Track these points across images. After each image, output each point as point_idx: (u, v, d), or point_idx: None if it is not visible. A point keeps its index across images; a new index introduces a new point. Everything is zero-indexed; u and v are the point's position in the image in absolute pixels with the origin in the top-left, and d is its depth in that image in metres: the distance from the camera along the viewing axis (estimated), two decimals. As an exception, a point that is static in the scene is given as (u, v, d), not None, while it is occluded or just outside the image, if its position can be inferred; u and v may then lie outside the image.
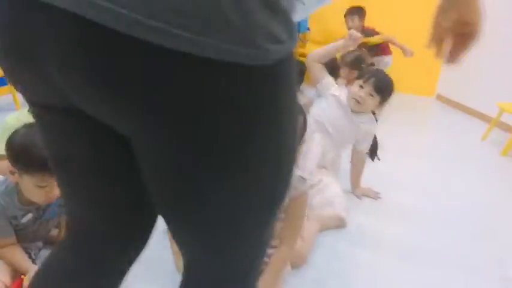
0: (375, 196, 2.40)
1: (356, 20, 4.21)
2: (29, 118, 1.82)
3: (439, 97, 5.03)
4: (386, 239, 2.02)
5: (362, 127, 2.24)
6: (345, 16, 4.31)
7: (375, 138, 2.37)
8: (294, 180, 1.48)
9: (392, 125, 3.66)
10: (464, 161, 3.15)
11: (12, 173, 1.39)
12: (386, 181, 2.55)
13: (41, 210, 1.53)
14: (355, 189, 2.39)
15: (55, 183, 1.33)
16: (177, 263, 1.63)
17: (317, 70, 2.25)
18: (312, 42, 5.08)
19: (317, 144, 2.08)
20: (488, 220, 2.27)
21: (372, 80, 2.15)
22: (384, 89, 2.17)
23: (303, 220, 1.60)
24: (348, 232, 2.04)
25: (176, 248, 1.53)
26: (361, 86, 2.17)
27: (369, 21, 4.28)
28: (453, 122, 4.26)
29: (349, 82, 3.04)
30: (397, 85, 5.04)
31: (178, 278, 0.79)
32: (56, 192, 1.41)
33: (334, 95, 2.26)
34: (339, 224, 2.05)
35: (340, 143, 2.29)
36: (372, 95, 2.16)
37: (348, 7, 4.64)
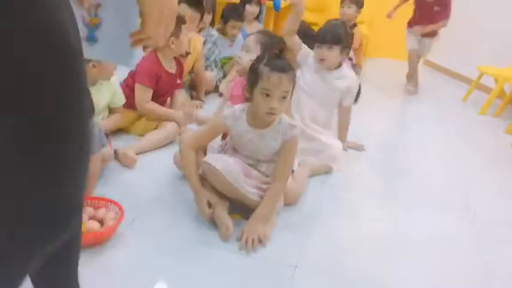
0: (360, 148, 2.67)
1: (353, 8, 4.05)
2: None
3: (427, 62, 5.25)
4: (367, 183, 2.31)
5: (339, 84, 2.44)
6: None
7: (359, 86, 2.54)
8: (286, 127, 1.73)
9: (379, 88, 3.91)
10: (445, 119, 3.43)
11: None
12: (371, 137, 2.81)
13: None
14: (343, 143, 2.64)
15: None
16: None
17: (292, 43, 2.39)
18: (306, 9, 5.19)
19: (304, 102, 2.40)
20: (461, 169, 2.56)
21: (324, 36, 2.34)
22: (338, 38, 2.34)
23: (293, 160, 1.84)
24: (335, 177, 2.32)
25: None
26: (318, 47, 2.37)
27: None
28: (438, 84, 4.52)
29: None
30: (386, 51, 5.28)
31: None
32: None
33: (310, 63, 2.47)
34: (327, 170, 2.34)
35: (326, 103, 2.51)
36: (330, 49, 2.34)
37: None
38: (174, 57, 2.65)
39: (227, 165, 1.71)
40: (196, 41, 3.08)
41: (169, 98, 2.75)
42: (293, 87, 1.73)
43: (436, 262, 1.72)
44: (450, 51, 4.78)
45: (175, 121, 2.52)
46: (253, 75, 1.70)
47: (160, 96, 2.60)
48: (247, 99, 1.76)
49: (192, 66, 3.16)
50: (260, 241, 1.68)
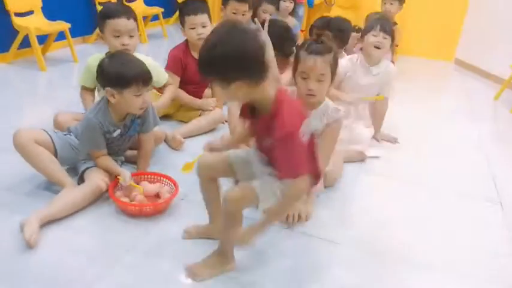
0: (393, 141, 2.77)
1: (396, 5, 4.09)
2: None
3: (458, 61, 5.27)
4: (400, 171, 2.41)
5: (380, 75, 2.55)
6: None
7: None
8: (331, 110, 1.84)
9: (410, 85, 3.97)
10: (477, 117, 3.48)
11: (112, 95, 1.79)
12: (404, 132, 2.89)
13: (126, 128, 1.93)
14: (376, 133, 2.75)
15: (146, 92, 1.83)
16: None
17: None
18: (338, 6, 5.31)
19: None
20: (492, 163, 2.64)
21: (382, 24, 2.50)
22: (392, 31, 2.53)
23: (335, 143, 1.92)
24: (369, 165, 2.44)
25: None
26: (374, 35, 2.50)
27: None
28: (469, 83, 4.54)
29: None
30: (417, 50, 5.32)
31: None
32: (147, 98, 1.85)
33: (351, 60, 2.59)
34: (361, 157, 2.46)
35: (365, 95, 2.61)
36: (385, 38, 2.49)
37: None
38: None
39: None
40: None
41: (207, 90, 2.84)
42: (333, 71, 1.76)
43: (465, 242, 1.82)
44: (481, 51, 4.80)
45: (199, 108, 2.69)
46: (295, 60, 1.81)
47: (189, 84, 2.65)
48: (294, 83, 1.86)
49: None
50: (300, 217, 1.81)
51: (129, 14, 2.16)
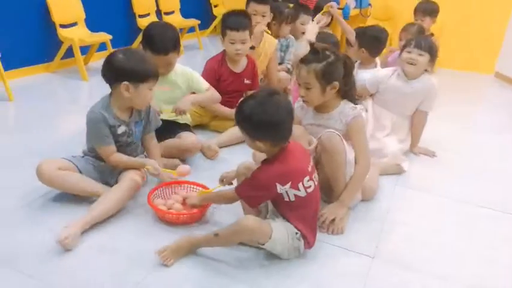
0: (431, 154, 2.70)
1: (427, 20, 4.03)
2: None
3: (498, 75, 5.11)
4: (438, 184, 2.35)
5: (420, 89, 2.51)
6: (414, 12, 4.16)
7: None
8: (347, 109, 1.85)
9: (449, 100, 3.88)
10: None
11: (127, 90, 1.81)
12: (443, 146, 2.82)
13: (131, 129, 1.94)
14: (414, 147, 2.70)
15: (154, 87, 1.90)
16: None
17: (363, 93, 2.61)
18: (374, 18, 5.28)
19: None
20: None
21: (418, 41, 2.47)
22: (430, 46, 2.48)
23: (365, 140, 1.90)
24: (406, 178, 2.39)
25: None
26: (409, 52, 2.48)
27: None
28: (510, 97, 4.39)
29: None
30: (456, 63, 5.20)
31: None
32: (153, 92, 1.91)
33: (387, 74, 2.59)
34: (398, 171, 2.42)
35: (404, 109, 2.59)
36: (421, 55, 2.45)
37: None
38: (247, 57, 2.77)
39: None
40: (270, 43, 3.16)
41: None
42: (327, 79, 1.78)
43: (509, 261, 1.75)
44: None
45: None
46: None
47: (224, 94, 2.61)
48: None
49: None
50: (334, 220, 1.81)
51: (167, 50, 2.20)
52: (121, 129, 1.91)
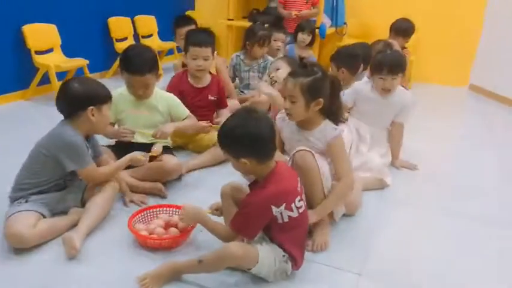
0: (413, 168, 2.72)
1: (400, 40, 4.04)
2: (128, 95, 2.29)
3: (472, 87, 5.24)
4: (422, 198, 2.36)
5: (395, 102, 2.55)
6: (389, 30, 4.17)
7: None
8: (328, 129, 1.85)
9: (426, 113, 3.95)
10: (495, 141, 3.42)
11: (92, 114, 1.81)
12: (423, 159, 2.84)
13: (91, 147, 1.93)
14: (395, 160, 2.72)
15: None
16: None
17: None
18: (349, 36, 5.37)
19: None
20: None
21: (389, 67, 2.44)
22: (401, 67, 2.49)
23: (345, 158, 1.89)
24: (389, 192, 2.39)
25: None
26: (381, 78, 2.48)
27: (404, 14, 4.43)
28: (485, 109, 4.49)
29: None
30: (430, 76, 5.31)
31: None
32: None
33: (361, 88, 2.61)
34: (381, 184, 2.42)
35: (380, 122, 2.62)
36: (395, 79, 2.47)
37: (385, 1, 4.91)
38: (211, 74, 2.80)
39: None
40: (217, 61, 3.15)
41: (215, 115, 2.83)
42: (313, 95, 1.78)
43: (498, 273, 1.75)
44: (496, 75, 4.78)
45: None
46: None
47: (191, 110, 2.50)
48: None
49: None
50: (317, 246, 1.80)
51: (144, 70, 2.18)
52: (89, 152, 1.90)
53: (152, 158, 2.18)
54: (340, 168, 1.84)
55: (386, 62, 2.48)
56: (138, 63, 2.18)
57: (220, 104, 2.84)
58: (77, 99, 1.81)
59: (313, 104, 1.80)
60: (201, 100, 2.72)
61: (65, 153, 1.79)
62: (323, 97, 1.81)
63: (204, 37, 2.64)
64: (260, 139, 1.48)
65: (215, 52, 2.78)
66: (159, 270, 1.54)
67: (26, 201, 1.79)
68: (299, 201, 1.55)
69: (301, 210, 1.56)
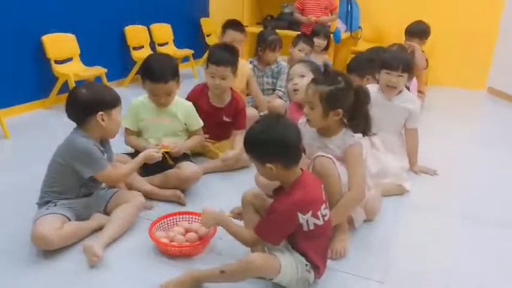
0: (432, 173, 2.69)
1: (416, 41, 4.02)
2: (149, 102, 2.31)
3: (490, 90, 5.16)
4: (442, 204, 2.33)
5: (403, 107, 2.53)
6: (404, 33, 4.17)
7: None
8: (347, 137, 1.83)
9: (444, 116, 3.90)
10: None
11: (102, 119, 1.83)
12: (442, 163, 2.81)
13: (104, 151, 1.93)
14: (413, 166, 2.68)
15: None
16: None
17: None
18: (364, 40, 5.35)
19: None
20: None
21: (395, 64, 2.43)
22: (408, 65, 2.47)
23: (361, 168, 1.85)
24: (409, 198, 2.36)
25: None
26: (388, 74, 2.46)
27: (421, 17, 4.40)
28: (503, 111, 4.42)
29: None
30: (447, 79, 5.26)
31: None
32: None
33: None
34: (400, 190, 2.40)
35: (392, 128, 2.58)
36: (400, 76, 2.45)
37: (400, 3, 4.88)
38: (233, 93, 2.69)
39: None
40: (243, 63, 3.12)
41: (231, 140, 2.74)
42: (331, 103, 1.76)
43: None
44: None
45: None
46: None
47: (205, 126, 2.51)
48: None
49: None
50: (337, 253, 1.79)
51: (166, 78, 2.19)
52: (105, 156, 1.91)
53: (166, 154, 2.16)
54: (352, 177, 1.80)
55: (394, 58, 2.50)
56: (160, 71, 2.19)
57: (236, 125, 2.72)
58: (85, 105, 1.82)
59: (332, 113, 1.78)
60: (215, 119, 2.67)
61: (79, 161, 1.81)
62: (343, 108, 1.78)
63: (224, 56, 2.56)
64: (286, 144, 1.48)
65: (248, 62, 2.82)
66: (182, 279, 1.54)
67: (55, 205, 1.83)
68: (324, 208, 1.55)
69: (326, 218, 1.55)
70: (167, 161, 2.18)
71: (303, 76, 2.46)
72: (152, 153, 2.02)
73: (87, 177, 1.85)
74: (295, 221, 1.48)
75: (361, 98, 1.83)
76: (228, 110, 2.69)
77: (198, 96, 2.66)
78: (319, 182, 1.61)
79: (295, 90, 2.49)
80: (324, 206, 1.55)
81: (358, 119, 1.85)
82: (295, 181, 1.52)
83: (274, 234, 1.52)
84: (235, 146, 2.63)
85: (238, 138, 2.62)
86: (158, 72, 2.19)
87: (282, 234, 1.53)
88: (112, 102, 1.87)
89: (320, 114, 1.79)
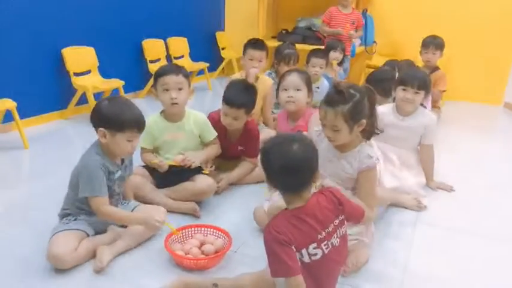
0: (449, 189, 2.66)
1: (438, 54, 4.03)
2: (162, 120, 2.32)
3: (507, 105, 5.11)
4: (459, 220, 2.30)
5: (417, 123, 2.53)
6: (421, 46, 4.12)
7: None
8: (363, 156, 1.78)
9: (461, 131, 3.87)
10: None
11: (104, 136, 1.78)
12: (458, 179, 2.78)
13: (124, 167, 1.93)
14: (429, 182, 2.66)
15: (136, 139, 1.85)
16: None
17: None
18: (379, 54, 5.36)
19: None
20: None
21: (412, 81, 2.47)
22: (425, 84, 2.49)
23: (373, 191, 1.81)
24: (426, 214, 2.34)
25: None
26: (404, 90, 2.49)
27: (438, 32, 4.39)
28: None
29: None
30: (463, 94, 5.21)
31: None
32: (135, 144, 1.86)
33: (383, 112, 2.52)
34: (418, 206, 2.38)
35: (401, 143, 2.58)
36: (417, 93, 2.48)
37: (414, 18, 4.89)
38: (246, 123, 2.58)
39: None
40: (265, 83, 3.19)
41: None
42: (354, 119, 1.71)
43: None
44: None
45: None
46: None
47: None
48: None
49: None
50: (352, 266, 1.76)
51: (178, 71, 2.28)
52: (118, 174, 1.90)
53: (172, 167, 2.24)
54: (365, 199, 1.75)
55: (411, 75, 2.53)
56: (170, 67, 2.35)
57: (247, 152, 2.64)
58: (94, 116, 1.82)
59: (356, 126, 1.74)
60: (230, 153, 2.64)
61: (81, 178, 1.79)
62: (365, 117, 1.76)
63: (239, 98, 2.45)
64: (287, 170, 1.33)
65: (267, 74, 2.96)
66: (175, 285, 1.57)
67: (75, 219, 1.83)
68: (314, 248, 1.35)
69: (314, 258, 1.35)
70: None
71: (299, 90, 2.56)
72: (152, 222, 1.84)
73: (81, 196, 1.79)
74: (286, 248, 1.30)
75: (372, 101, 1.80)
76: (242, 140, 2.63)
77: (215, 126, 2.52)
78: (328, 218, 1.40)
79: (287, 101, 2.58)
80: (314, 245, 1.34)
81: (372, 121, 1.82)
82: (292, 209, 1.37)
83: (284, 267, 1.30)
84: (235, 169, 2.61)
85: (243, 165, 2.62)
86: (168, 67, 2.34)
87: (289, 262, 1.30)
88: (117, 124, 1.77)
89: (347, 133, 1.74)
